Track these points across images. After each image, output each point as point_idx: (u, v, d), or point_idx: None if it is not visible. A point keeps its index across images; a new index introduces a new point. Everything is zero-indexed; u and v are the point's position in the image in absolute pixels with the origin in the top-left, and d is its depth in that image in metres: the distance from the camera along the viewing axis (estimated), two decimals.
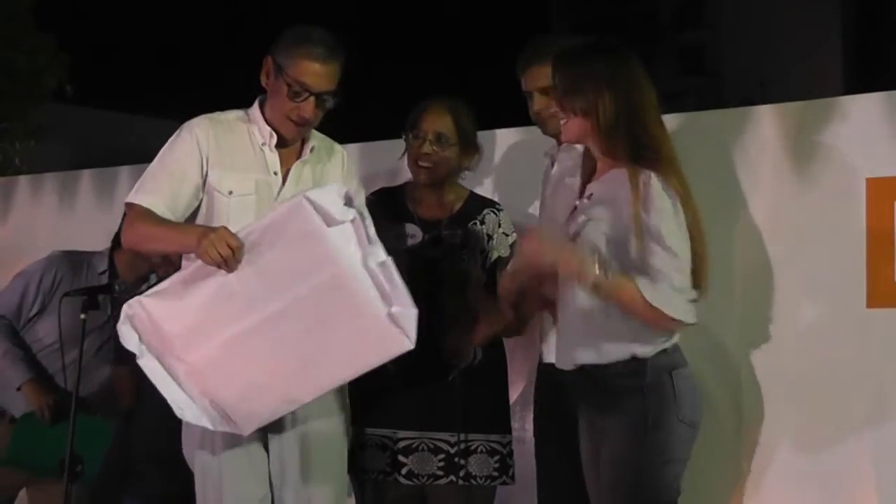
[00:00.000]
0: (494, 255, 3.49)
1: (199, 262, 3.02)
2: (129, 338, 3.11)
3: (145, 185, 3.18)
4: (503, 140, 4.15)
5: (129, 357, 3.98)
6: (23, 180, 5.79)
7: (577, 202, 2.97)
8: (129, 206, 3.19)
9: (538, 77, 3.31)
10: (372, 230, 2.98)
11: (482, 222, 3.48)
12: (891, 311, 3.39)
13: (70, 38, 15.99)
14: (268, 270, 3.02)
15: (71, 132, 18.83)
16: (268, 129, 3.22)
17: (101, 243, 4.29)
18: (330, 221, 2.96)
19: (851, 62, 38.36)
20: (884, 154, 3.43)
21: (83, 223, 5.23)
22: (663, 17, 39.44)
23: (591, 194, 2.93)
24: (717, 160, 3.62)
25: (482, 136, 3.61)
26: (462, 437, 3.31)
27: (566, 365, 2.96)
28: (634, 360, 2.83)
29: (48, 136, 15.98)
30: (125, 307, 3.11)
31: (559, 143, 3.38)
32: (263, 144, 3.23)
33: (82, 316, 3.47)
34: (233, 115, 3.29)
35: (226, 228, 3.00)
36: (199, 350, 3.07)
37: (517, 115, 3.59)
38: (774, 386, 3.55)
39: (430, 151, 3.41)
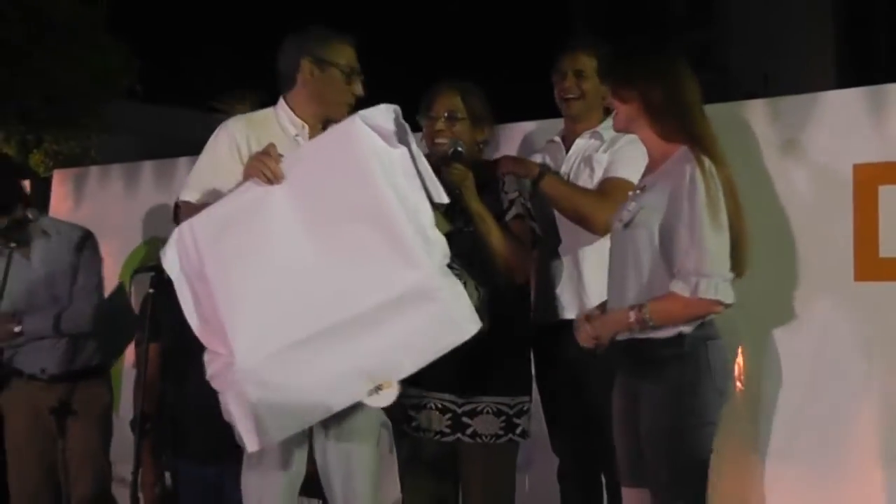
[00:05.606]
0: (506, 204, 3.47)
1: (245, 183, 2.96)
2: (171, 263, 2.96)
3: (192, 182, 3.21)
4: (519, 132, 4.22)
5: (163, 333, 3.90)
6: (93, 170, 5.88)
7: (631, 192, 3.04)
8: (180, 203, 3.22)
9: (578, 60, 3.60)
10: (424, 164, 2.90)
11: (499, 189, 3.48)
12: (876, 284, 3.45)
13: (140, 42, 16.22)
14: (309, 191, 2.88)
15: (140, 127, 19.15)
16: (299, 121, 3.26)
17: (161, 226, 4.36)
18: (385, 137, 2.82)
19: (846, 58, 37.83)
20: (869, 142, 3.49)
21: (145, 209, 5.34)
22: (674, 15, 39.11)
23: (645, 185, 2.96)
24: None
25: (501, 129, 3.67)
26: (467, 399, 3.36)
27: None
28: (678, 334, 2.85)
29: (121, 130, 16.26)
30: (175, 230, 3.00)
31: (570, 126, 3.63)
32: (297, 135, 3.26)
33: (151, 290, 3.56)
34: (262, 113, 3.33)
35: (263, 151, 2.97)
36: (219, 266, 2.87)
37: (532, 106, 3.66)
38: (773, 356, 3.61)
39: (442, 128, 3.46)
